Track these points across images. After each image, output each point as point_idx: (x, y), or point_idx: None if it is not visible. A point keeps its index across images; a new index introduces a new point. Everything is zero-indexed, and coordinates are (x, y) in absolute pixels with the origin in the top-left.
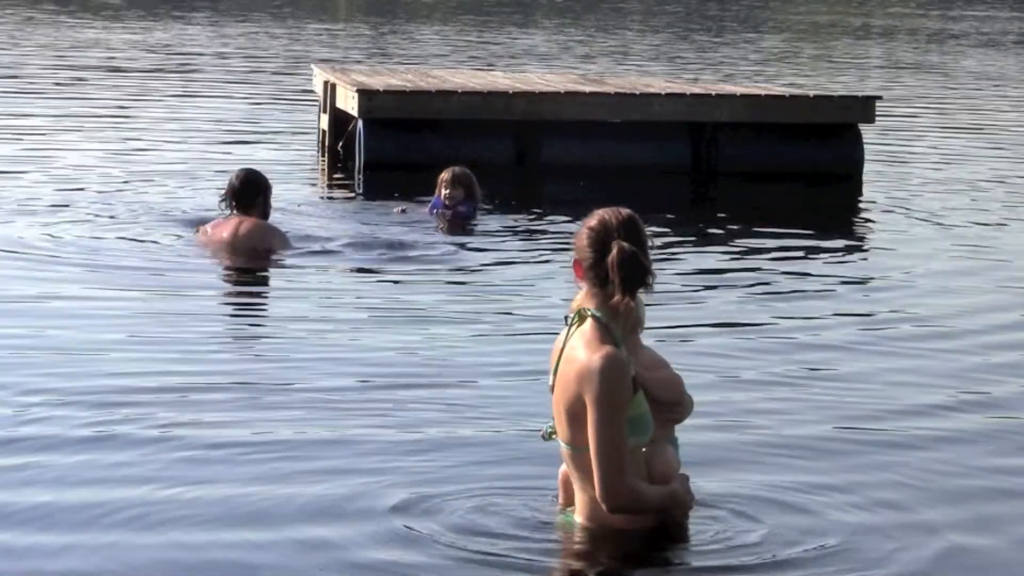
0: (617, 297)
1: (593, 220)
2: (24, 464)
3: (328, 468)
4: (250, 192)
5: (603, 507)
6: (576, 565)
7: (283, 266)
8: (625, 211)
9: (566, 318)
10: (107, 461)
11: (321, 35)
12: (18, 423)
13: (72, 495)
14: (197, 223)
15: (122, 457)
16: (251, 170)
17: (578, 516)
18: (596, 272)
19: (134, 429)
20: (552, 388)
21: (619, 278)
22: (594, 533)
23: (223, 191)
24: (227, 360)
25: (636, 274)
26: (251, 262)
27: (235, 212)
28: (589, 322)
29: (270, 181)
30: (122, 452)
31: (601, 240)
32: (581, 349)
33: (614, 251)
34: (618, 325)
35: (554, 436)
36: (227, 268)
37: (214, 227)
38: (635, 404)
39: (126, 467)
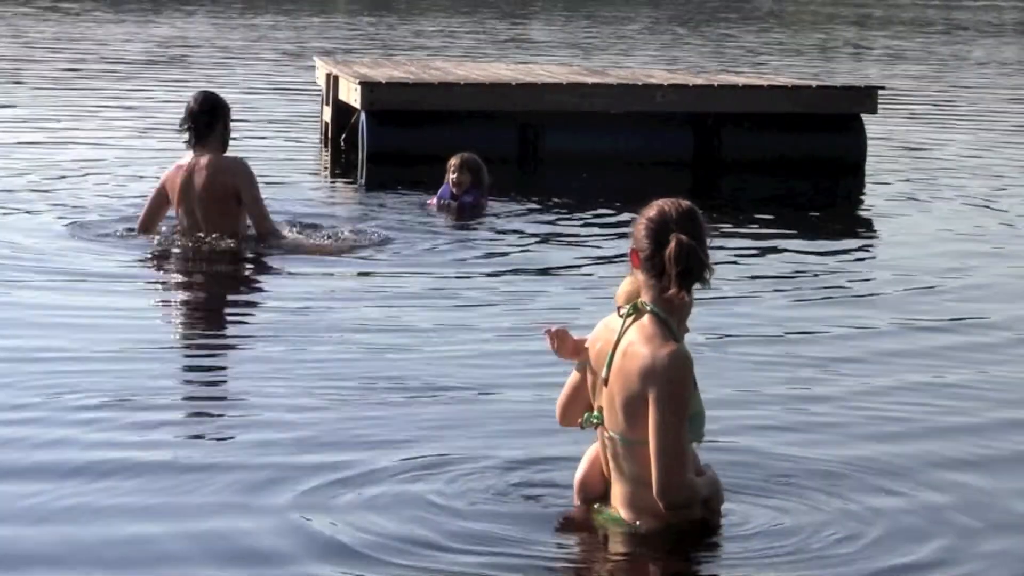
0: (672, 290)
1: (652, 211)
2: None
3: (329, 455)
4: (210, 115)
5: (660, 503)
6: (626, 561)
7: (283, 257)
8: (685, 203)
9: (619, 309)
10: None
11: (323, 27)
12: None
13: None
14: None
15: (103, 437)
16: (209, 91)
17: (621, 509)
18: (653, 263)
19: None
20: (606, 381)
21: (675, 271)
22: (640, 527)
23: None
24: (230, 347)
25: (693, 268)
26: (222, 209)
27: (192, 145)
28: (647, 317)
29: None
30: (98, 431)
31: (659, 231)
32: (643, 344)
33: (672, 244)
34: (674, 319)
35: (597, 426)
36: (228, 261)
37: (177, 172)
38: (694, 402)
39: (101, 448)
